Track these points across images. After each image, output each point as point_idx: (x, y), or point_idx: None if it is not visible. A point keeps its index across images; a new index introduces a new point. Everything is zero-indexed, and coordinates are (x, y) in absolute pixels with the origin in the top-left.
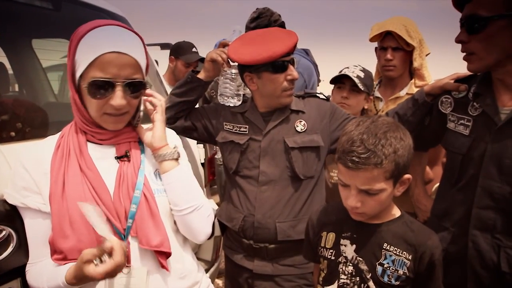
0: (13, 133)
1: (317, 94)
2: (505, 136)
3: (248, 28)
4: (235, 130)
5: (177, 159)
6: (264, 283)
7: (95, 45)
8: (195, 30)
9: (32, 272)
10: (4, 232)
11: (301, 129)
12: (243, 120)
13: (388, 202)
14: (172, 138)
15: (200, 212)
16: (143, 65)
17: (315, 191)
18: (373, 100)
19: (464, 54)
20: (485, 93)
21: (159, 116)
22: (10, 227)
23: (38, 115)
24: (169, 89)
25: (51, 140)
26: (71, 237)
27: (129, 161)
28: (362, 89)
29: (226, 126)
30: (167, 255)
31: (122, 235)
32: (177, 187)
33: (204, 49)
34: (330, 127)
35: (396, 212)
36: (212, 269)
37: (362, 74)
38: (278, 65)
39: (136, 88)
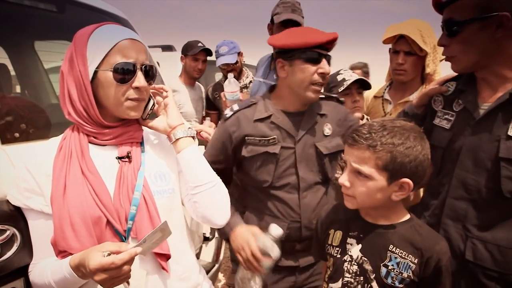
0: (17, 134)
1: (334, 97)
2: (482, 130)
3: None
4: (263, 142)
5: (193, 137)
6: (307, 273)
7: (110, 36)
8: (196, 32)
9: (35, 270)
10: (8, 232)
11: (327, 133)
12: (267, 129)
13: (381, 199)
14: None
15: (220, 188)
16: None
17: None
18: (382, 103)
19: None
20: (468, 90)
21: (171, 99)
22: (14, 227)
23: (41, 116)
24: (182, 88)
25: (54, 142)
26: (72, 239)
27: (130, 162)
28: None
29: (249, 139)
30: (167, 257)
31: (123, 237)
32: (196, 163)
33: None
34: (345, 131)
35: (406, 215)
36: (213, 271)
37: (358, 72)
38: (312, 55)
39: (150, 73)
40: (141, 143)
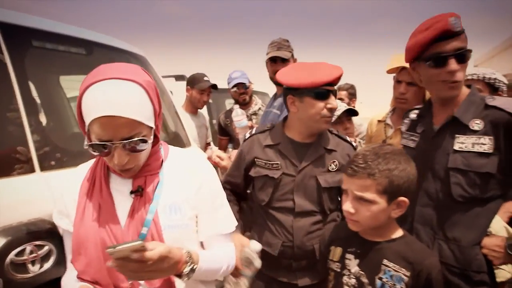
0: (53, 162)
1: (345, 138)
2: (436, 146)
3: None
4: (267, 166)
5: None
6: None
7: (92, 107)
8: (206, 59)
9: (63, 282)
10: (46, 247)
11: (333, 169)
12: (274, 155)
13: (383, 219)
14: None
15: (224, 273)
16: (144, 117)
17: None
18: (384, 127)
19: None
20: (426, 115)
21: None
22: (51, 243)
23: (71, 145)
24: (186, 116)
25: (84, 169)
26: (83, 261)
27: (141, 196)
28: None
29: (258, 161)
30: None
31: None
32: (200, 275)
33: (214, 75)
34: None
35: (399, 232)
36: None
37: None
38: (320, 92)
39: (136, 144)
40: (161, 172)
